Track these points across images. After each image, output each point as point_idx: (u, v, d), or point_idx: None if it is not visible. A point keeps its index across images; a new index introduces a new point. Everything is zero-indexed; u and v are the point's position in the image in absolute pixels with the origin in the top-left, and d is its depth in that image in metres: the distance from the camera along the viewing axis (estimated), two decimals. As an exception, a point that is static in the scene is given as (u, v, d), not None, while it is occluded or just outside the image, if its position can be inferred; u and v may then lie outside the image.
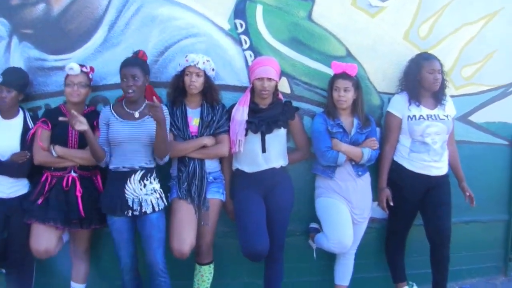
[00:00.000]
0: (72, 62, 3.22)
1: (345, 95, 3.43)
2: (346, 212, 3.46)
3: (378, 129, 3.72)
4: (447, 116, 3.61)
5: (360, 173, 3.51)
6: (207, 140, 3.32)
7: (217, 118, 3.37)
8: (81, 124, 2.95)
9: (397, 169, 3.65)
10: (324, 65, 3.69)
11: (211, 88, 3.35)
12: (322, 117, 3.51)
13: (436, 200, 3.61)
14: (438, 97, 3.62)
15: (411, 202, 3.65)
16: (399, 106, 3.62)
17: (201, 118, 3.35)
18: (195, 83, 3.27)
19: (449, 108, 3.67)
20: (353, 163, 3.49)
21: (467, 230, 4.14)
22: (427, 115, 3.57)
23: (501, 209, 4.28)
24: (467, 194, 3.74)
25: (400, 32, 3.83)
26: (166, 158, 3.21)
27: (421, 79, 3.55)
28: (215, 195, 3.38)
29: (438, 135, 3.58)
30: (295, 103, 3.59)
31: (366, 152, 3.44)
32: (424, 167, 3.58)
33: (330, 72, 3.56)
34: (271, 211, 3.40)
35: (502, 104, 4.13)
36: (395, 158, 3.67)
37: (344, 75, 3.44)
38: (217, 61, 3.48)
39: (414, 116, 3.57)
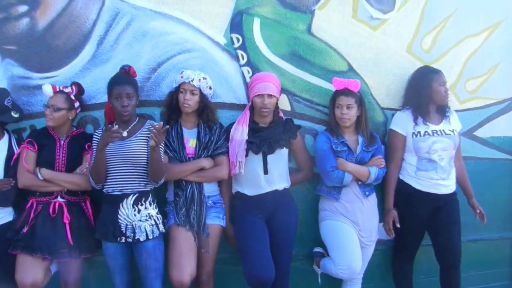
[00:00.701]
0: (46, 84, 3.07)
1: (348, 113, 3.32)
2: (353, 236, 3.34)
3: (383, 146, 3.61)
4: (453, 131, 3.52)
5: (367, 193, 3.39)
6: (205, 162, 3.17)
7: (215, 139, 3.22)
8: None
9: (403, 189, 3.53)
10: (325, 81, 3.60)
11: (207, 107, 3.21)
12: (325, 135, 3.39)
13: (445, 219, 3.51)
14: (443, 111, 3.54)
15: (419, 223, 3.54)
16: (402, 123, 3.53)
17: (198, 139, 3.20)
18: (189, 101, 3.13)
19: (455, 123, 3.59)
20: (360, 183, 3.37)
21: (475, 249, 4.06)
22: (432, 131, 3.48)
23: (508, 226, 4.20)
24: (477, 211, 3.65)
25: (403, 45, 3.77)
26: (162, 180, 3.05)
27: (432, 93, 3.46)
28: (215, 221, 3.22)
29: (445, 151, 3.48)
30: (296, 121, 3.48)
31: (373, 171, 3.32)
32: (432, 185, 3.48)
33: (332, 88, 3.47)
34: (275, 236, 3.25)
35: (507, 118, 4.07)
36: (401, 177, 3.56)
37: (346, 92, 3.35)
38: (213, 78, 3.35)
39: (419, 132, 3.47)
